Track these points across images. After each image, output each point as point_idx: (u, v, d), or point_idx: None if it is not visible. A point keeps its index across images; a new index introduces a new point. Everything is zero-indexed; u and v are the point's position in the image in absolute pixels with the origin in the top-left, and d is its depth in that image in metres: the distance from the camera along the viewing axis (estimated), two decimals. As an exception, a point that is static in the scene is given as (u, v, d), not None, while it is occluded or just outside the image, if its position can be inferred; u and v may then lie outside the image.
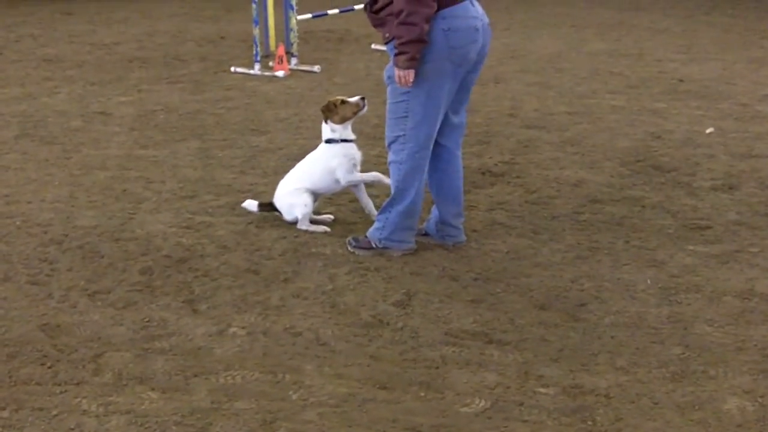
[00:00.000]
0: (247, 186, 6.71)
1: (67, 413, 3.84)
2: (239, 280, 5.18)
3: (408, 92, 5.15)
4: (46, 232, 5.82)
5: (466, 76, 5.29)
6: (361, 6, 12.41)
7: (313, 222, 5.92)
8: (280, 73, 10.55)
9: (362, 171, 5.91)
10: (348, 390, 4.04)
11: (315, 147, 5.97)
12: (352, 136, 5.87)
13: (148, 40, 12.93)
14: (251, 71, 10.69)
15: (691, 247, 5.62)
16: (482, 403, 3.95)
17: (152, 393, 3.99)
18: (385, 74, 5.28)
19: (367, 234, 5.59)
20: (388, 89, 5.29)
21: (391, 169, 5.42)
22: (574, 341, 4.49)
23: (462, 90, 5.35)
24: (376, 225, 5.58)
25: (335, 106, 5.77)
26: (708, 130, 8.19)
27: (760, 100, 9.44)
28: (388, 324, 4.66)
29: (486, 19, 5.23)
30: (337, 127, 5.78)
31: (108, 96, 9.55)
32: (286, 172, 6.00)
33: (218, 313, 4.76)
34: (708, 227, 5.94)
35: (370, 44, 12.50)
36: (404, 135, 5.27)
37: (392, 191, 5.46)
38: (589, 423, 3.81)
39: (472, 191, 6.60)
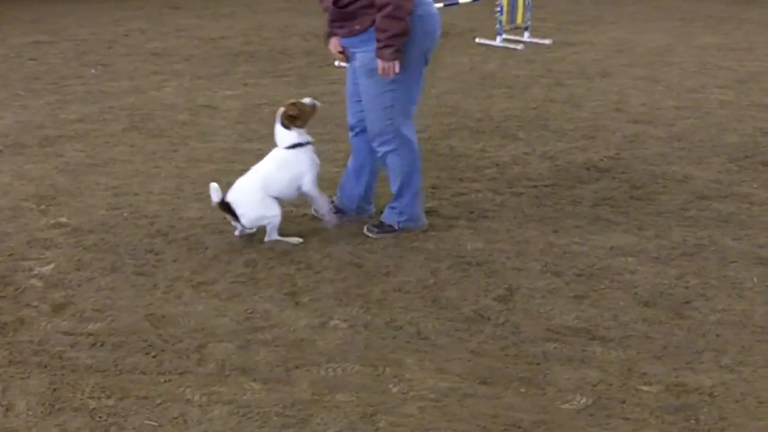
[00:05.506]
0: (349, 179, 6.70)
1: (171, 402, 3.91)
2: (341, 273, 5.20)
3: (393, 81, 5.29)
4: (152, 224, 5.93)
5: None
6: (467, 0, 12.44)
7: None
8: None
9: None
10: (449, 384, 4.03)
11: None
12: (311, 138, 5.73)
13: (255, 35, 13.08)
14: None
15: (802, 245, 5.48)
16: (584, 400, 3.90)
17: (254, 384, 4.04)
18: (361, 69, 5.39)
19: (383, 219, 5.77)
20: (369, 82, 5.39)
21: (391, 159, 5.59)
22: (678, 339, 4.41)
23: None
24: (392, 211, 5.73)
25: (304, 112, 5.60)
26: (821, 125, 7.99)
27: None
28: (489, 319, 4.64)
29: None
30: (302, 130, 5.64)
31: (214, 90, 9.69)
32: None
33: (320, 306, 4.79)
34: (820, 225, 5.79)
35: (474, 38, 12.46)
36: (392, 123, 5.43)
37: (399, 179, 5.63)
38: (693, 422, 3.74)
39: (576, 186, 6.53)
